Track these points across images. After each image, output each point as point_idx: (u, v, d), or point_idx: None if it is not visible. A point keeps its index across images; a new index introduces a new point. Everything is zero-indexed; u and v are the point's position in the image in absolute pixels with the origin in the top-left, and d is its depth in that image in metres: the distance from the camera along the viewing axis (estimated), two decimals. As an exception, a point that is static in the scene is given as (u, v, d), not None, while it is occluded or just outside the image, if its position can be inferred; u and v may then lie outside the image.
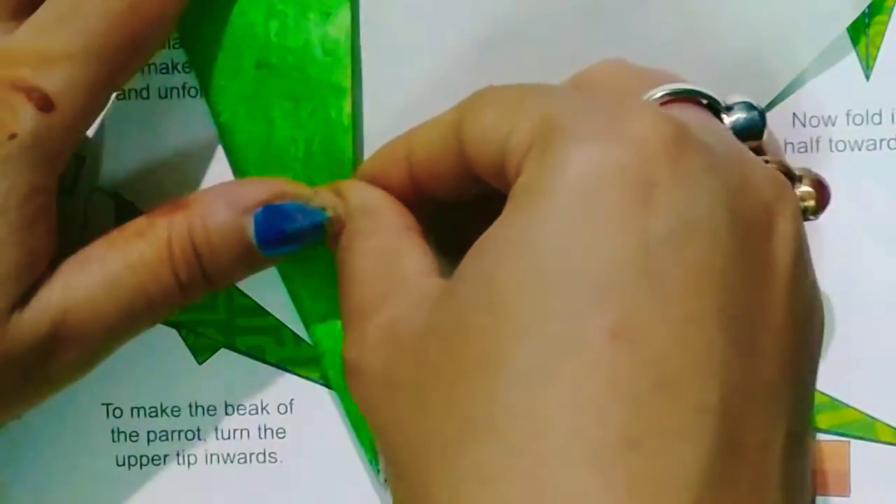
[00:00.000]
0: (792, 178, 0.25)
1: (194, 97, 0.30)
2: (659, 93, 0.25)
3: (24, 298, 0.26)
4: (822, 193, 0.26)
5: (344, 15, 0.29)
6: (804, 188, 0.25)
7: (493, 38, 0.30)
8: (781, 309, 0.22)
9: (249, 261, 0.28)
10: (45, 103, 0.26)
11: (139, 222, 0.27)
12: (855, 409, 0.31)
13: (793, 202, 0.23)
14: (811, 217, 0.26)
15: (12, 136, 0.26)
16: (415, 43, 0.30)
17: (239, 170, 0.30)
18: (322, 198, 0.28)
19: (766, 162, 0.25)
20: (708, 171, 0.22)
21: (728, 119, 0.25)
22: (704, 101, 0.25)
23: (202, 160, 0.30)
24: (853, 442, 0.31)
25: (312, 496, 0.31)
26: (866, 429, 0.31)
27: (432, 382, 0.22)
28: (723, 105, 0.25)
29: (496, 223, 0.22)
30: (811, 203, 0.26)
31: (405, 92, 0.30)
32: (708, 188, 0.21)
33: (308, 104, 0.29)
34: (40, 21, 0.27)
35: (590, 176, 0.21)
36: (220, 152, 0.30)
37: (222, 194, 0.28)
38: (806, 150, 0.31)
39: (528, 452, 0.20)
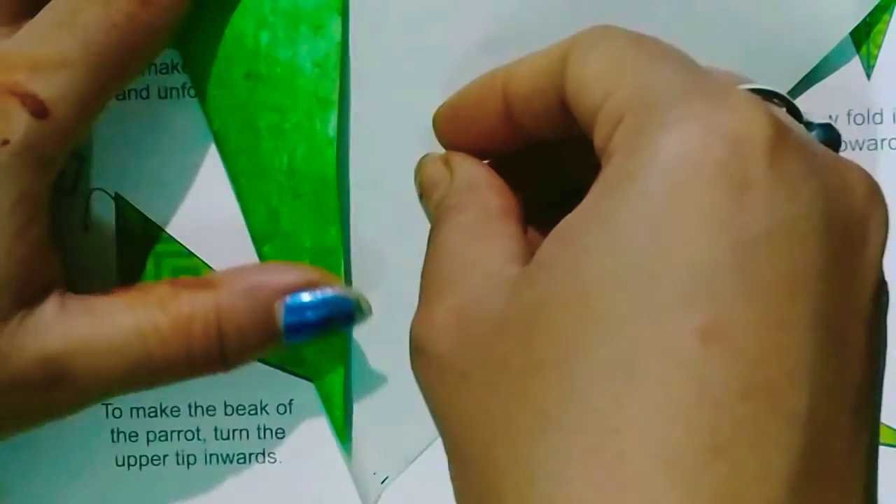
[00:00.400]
0: None
1: (194, 97, 0.30)
2: (747, 85, 0.24)
3: (20, 319, 0.26)
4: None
5: (335, 28, 0.29)
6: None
7: (488, 54, 0.30)
8: (867, 317, 0.21)
9: (271, 345, 0.28)
10: (39, 109, 0.26)
11: (162, 290, 0.27)
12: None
13: (883, 207, 0.22)
14: None
15: (4, 143, 0.25)
16: (406, 56, 0.30)
17: (232, 178, 0.30)
18: (424, 174, 0.28)
19: None
20: (807, 172, 0.21)
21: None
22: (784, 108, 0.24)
23: (202, 160, 0.30)
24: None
25: (312, 496, 0.31)
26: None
27: (504, 372, 0.21)
28: (805, 120, 0.25)
29: (581, 207, 0.22)
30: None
31: (394, 105, 0.30)
32: (807, 190, 0.21)
33: (293, 116, 0.29)
34: (38, 27, 0.27)
35: (685, 168, 0.20)
36: (211, 149, 0.30)
37: (253, 278, 0.28)
38: (807, 150, 0.30)
39: (605, 451, 0.19)
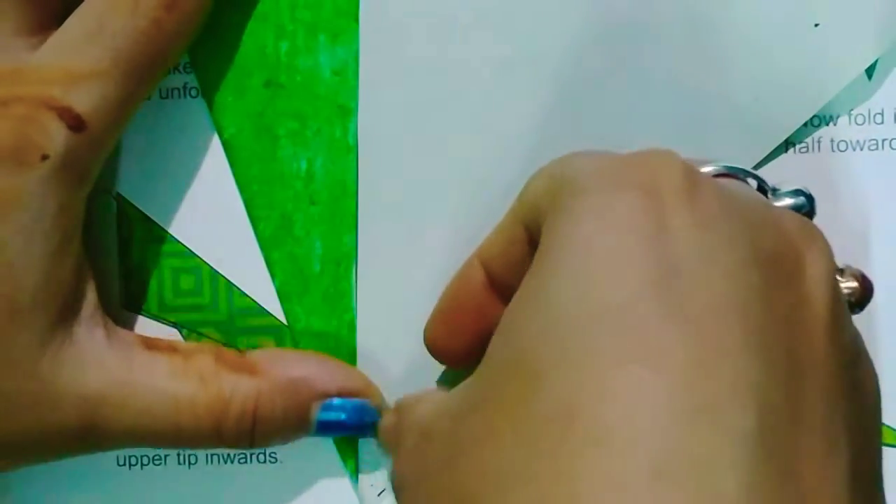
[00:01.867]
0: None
1: (195, 97, 0.30)
2: (709, 168, 0.24)
3: (59, 345, 0.26)
4: (864, 287, 0.25)
5: (353, 36, 0.30)
6: (847, 281, 0.25)
7: (496, 63, 0.30)
8: (823, 345, 0.21)
9: (300, 436, 0.29)
10: (77, 123, 0.26)
11: (206, 364, 0.28)
12: (856, 410, 0.31)
13: (822, 245, 0.23)
14: (856, 310, 0.25)
15: (44, 158, 0.26)
16: (418, 64, 0.30)
17: (241, 184, 0.30)
18: (377, 397, 0.29)
19: None
20: (725, 210, 0.21)
21: (776, 203, 0.25)
22: (753, 182, 0.25)
23: (204, 160, 0.30)
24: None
25: (312, 496, 0.31)
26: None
27: (467, 456, 0.22)
28: (770, 187, 0.25)
29: (513, 301, 0.22)
30: (854, 298, 0.25)
31: (403, 115, 0.30)
32: (725, 225, 0.21)
33: (313, 123, 0.30)
34: (67, 38, 0.27)
35: (601, 224, 0.21)
36: (220, 153, 0.30)
37: (295, 371, 0.28)
38: (808, 150, 0.30)
39: (557, 495, 0.19)
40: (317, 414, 0.28)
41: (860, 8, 0.29)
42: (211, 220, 0.30)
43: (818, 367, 0.21)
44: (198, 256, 0.31)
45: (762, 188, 0.25)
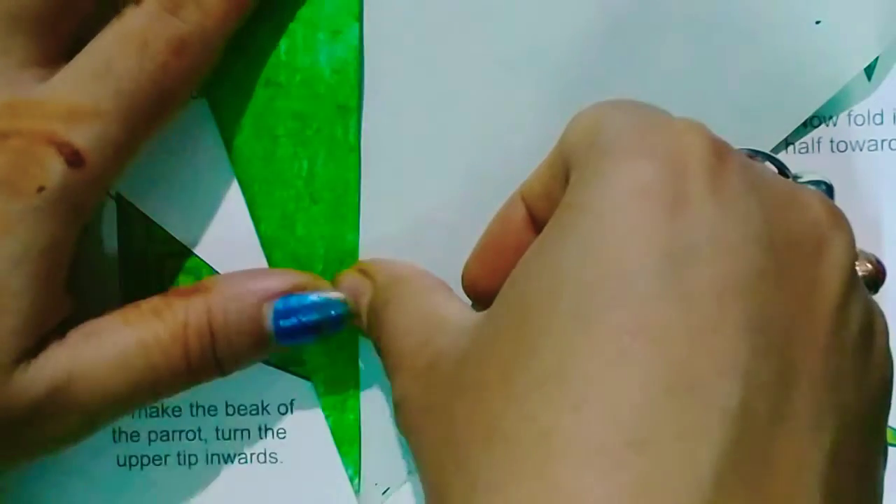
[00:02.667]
0: None
1: (196, 98, 0.30)
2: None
3: (28, 354, 0.26)
4: (878, 271, 0.26)
5: (352, 34, 0.30)
6: (861, 266, 0.25)
7: (499, 62, 0.30)
8: (825, 332, 0.21)
9: (263, 349, 0.28)
10: (75, 158, 0.26)
11: (156, 301, 0.28)
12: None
13: (846, 233, 0.23)
14: (870, 292, 0.25)
15: (40, 189, 0.26)
16: (422, 62, 0.30)
17: (244, 183, 0.30)
18: (344, 287, 0.29)
19: None
20: (746, 188, 0.22)
21: None
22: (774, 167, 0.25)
23: (205, 160, 0.30)
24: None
25: (313, 496, 0.31)
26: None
27: (461, 401, 0.22)
28: (791, 174, 0.25)
29: (530, 247, 0.23)
30: (867, 281, 0.25)
31: (406, 113, 0.30)
32: (744, 204, 0.21)
33: (314, 122, 0.30)
34: (75, 74, 0.27)
35: (618, 189, 0.21)
36: (222, 152, 0.30)
37: (243, 282, 0.28)
38: (807, 151, 0.31)
39: (534, 456, 0.20)
40: (270, 319, 0.28)
41: (861, 5, 0.30)
42: (212, 220, 0.30)
43: (816, 352, 0.21)
44: (198, 257, 0.31)
45: (783, 174, 0.25)
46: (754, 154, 0.25)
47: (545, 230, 0.22)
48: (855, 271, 0.23)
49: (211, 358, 0.28)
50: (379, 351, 0.27)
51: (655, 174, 0.21)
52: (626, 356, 0.20)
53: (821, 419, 0.21)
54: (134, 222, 0.31)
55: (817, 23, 0.30)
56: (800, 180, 0.25)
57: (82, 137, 0.26)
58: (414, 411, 0.24)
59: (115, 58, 0.27)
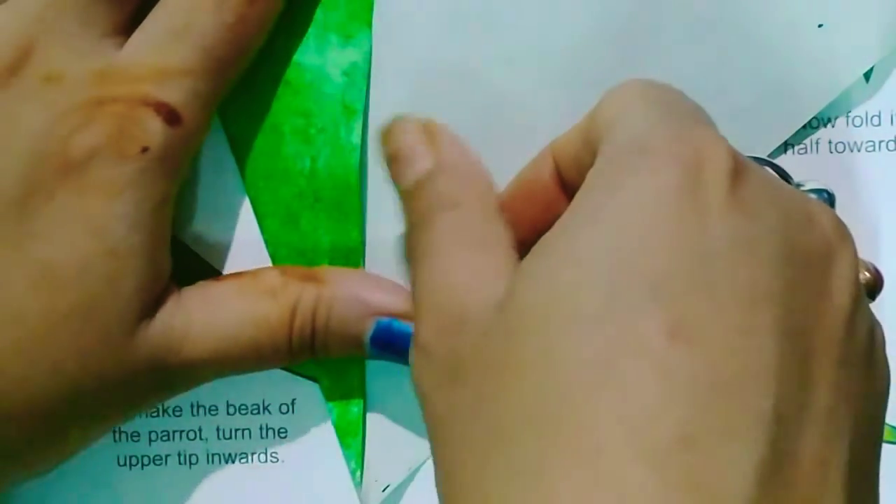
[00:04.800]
0: None
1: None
2: None
3: (149, 312, 0.27)
4: (876, 277, 0.26)
5: (364, 39, 0.30)
6: (860, 273, 0.25)
7: (507, 68, 0.30)
8: (837, 342, 0.22)
9: (355, 351, 0.29)
10: (172, 117, 0.27)
11: (273, 279, 0.29)
12: (854, 409, 0.31)
13: (851, 245, 0.23)
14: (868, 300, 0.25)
15: (145, 150, 0.26)
16: (428, 66, 0.30)
17: (248, 180, 0.30)
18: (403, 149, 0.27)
19: None
20: (767, 201, 0.22)
21: None
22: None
23: (206, 160, 0.30)
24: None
25: (314, 496, 0.31)
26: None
27: (491, 376, 0.22)
28: (794, 183, 0.26)
29: (559, 223, 0.23)
30: (867, 289, 0.26)
31: (414, 113, 0.30)
32: (766, 216, 0.22)
33: (318, 122, 0.30)
34: (153, 36, 0.27)
35: (647, 191, 0.22)
36: (223, 152, 0.30)
37: (357, 288, 0.29)
38: (806, 152, 0.31)
39: (583, 447, 0.20)
40: (371, 332, 0.29)
41: (864, 9, 0.30)
42: (213, 220, 0.30)
43: (832, 359, 0.21)
44: (200, 257, 0.31)
45: (786, 182, 0.26)
46: (758, 163, 0.25)
47: (570, 210, 0.23)
48: (860, 284, 0.23)
49: (308, 345, 0.29)
50: (414, 259, 0.26)
51: (679, 180, 0.22)
52: (667, 353, 0.20)
53: (838, 425, 0.21)
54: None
55: (819, 27, 0.30)
56: (802, 188, 0.26)
57: (175, 96, 0.27)
58: (438, 373, 0.24)
59: (194, 15, 0.27)
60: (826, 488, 0.21)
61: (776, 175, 0.25)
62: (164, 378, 0.28)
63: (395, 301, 0.29)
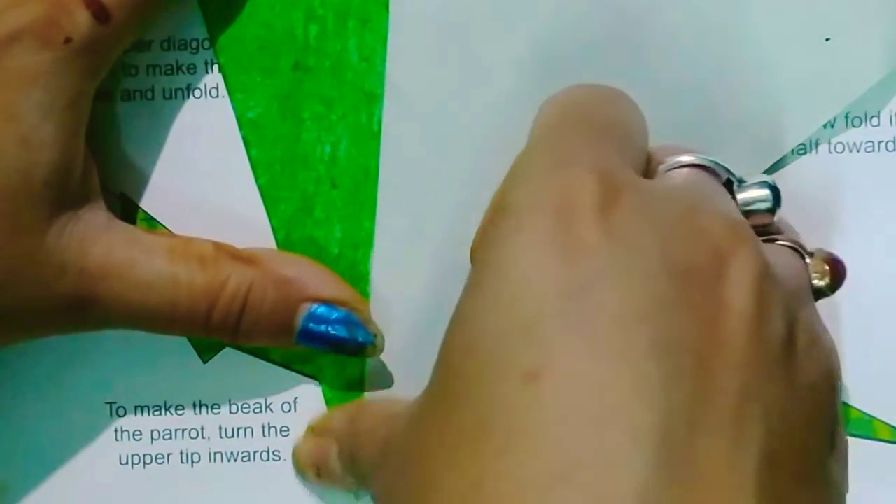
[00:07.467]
0: (804, 256, 0.25)
1: (198, 98, 0.30)
2: (684, 157, 0.25)
3: (61, 212, 0.27)
4: (836, 270, 0.25)
5: (381, 22, 0.30)
6: (817, 266, 0.25)
7: (526, 58, 0.30)
8: (738, 348, 0.22)
9: (281, 338, 0.29)
10: (102, 14, 0.27)
11: (206, 249, 0.29)
12: (853, 408, 0.31)
13: (750, 248, 0.23)
14: (828, 293, 0.25)
15: (67, 41, 0.27)
16: (445, 54, 0.30)
17: (263, 165, 0.30)
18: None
19: (775, 241, 0.25)
20: (640, 223, 0.22)
21: (740, 195, 0.25)
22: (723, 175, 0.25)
23: (207, 160, 0.31)
24: (851, 440, 0.31)
25: (313, 495, 0.31)
26: (865, 427, 0.31)
27: (406, 472, 0.23)
28: (737, 178, 0.25)
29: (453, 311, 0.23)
30: (826, 280, 0.25)
31: (429, 102, 0.30)
32: (638, 239, 0.22)
33: (339, 108, 0.30)
34: None
35: (518, 247, 0.22)
36: (223, 152, 0.31)
37: (294, 272, 0.29)
38: (805, 152, 0.31)
39: (469, 502, 0.20)
40: (302, 317, 0.29)
41: (870, 23, 0.30)
42: (215, 220, 0.31)
43: (734, 365, 0.21)
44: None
45: (730, 180, 0.25)
46: (703, 162, 0.25)
47: (461, 296, 0.23)
48: (767, 285, 0.22)
49: (231, 325, 0.29)
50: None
51: (547, 226, 0.22)
52: (541, 396, 0.20)
53: (744, 429, 0.21)
54: (138, 222, 0.31)
55: (827, 40, 0.30)
56: (745, 184, 0.26)
57: None
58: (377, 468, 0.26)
59: None
60: (741, 490, 0.21)
61: (667, 193, 0.24)
62: (76, 298, 0.28)
63: (334, 290, 0.29)
